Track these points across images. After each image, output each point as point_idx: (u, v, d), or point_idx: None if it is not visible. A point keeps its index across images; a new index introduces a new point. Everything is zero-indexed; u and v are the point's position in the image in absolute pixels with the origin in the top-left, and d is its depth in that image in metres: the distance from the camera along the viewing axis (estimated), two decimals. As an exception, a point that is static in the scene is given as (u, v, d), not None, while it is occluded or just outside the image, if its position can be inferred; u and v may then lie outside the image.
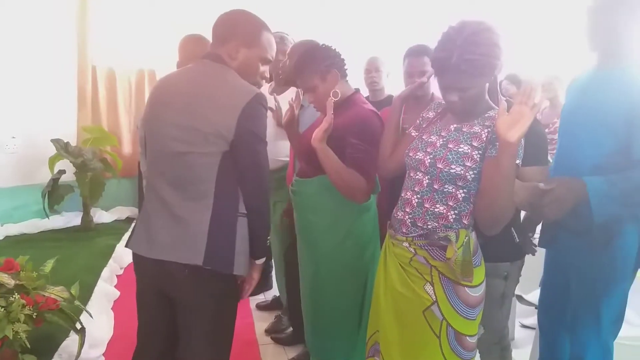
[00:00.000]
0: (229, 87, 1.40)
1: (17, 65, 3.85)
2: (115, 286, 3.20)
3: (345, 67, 1.81)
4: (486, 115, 1.38)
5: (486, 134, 1.33)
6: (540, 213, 1.48)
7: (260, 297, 3.21)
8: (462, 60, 1.25)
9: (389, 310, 1.48)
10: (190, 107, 1.38)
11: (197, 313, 1.44)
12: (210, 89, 1.40)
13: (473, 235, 1.41)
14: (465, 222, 1.39)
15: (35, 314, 1.97)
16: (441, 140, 1.42)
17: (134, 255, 1.53)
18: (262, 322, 2.86)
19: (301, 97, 2.01)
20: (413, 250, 1.43)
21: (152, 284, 1.50)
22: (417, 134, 1.55)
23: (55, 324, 2.09)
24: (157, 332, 1.56)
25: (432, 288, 1.38)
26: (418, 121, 1.59)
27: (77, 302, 2.19)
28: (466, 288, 1.37)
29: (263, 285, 3.28)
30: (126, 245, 1.54)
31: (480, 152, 1.33)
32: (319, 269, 1.81)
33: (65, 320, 2.13)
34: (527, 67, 3.32)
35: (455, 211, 1.38)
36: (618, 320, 1.67)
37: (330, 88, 1.72)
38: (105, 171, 4.15)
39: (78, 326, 2.17)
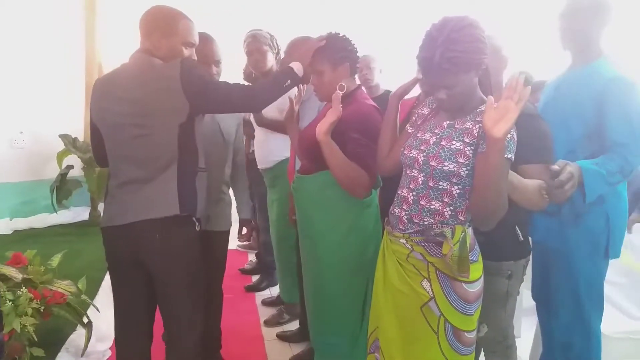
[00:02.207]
0: (158, 68, 1.60)
1: (26, 61, 3.88)
2: (122, 281, 3.21)
3: (357, 65, 1.83)
4: (478, 110, 1.37)
5: (477, 129, 1.33)
6: (559, 195, 1.46)
7: (266, 293, 3.22)
8: (444, 59, 1.25)
9: (388, 307, 1.49)
10: (137, 98, 1.57)
11: (171, 266, 1.62)
12: (146, 76, 1.60)
13: (470, 231, 1.41)
14: (461, 218, 1.39)
15: (42, 307, 2.00)
16: (434, 137, 1.42)
17: (106, 232, 1.68)
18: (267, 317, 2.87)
19: (302, 93, 2.01)
20: (410, 247, 1.43)
21: (126, 255, 1.65)
22: (413, 130, 1.56)
23: (63, 317, 2.12)
24: (136, 303, 1.72)
25: (429, 284, 1.39)
26: (414, 117, 1.59)
27: (84, 297, 2.21)
28: (463, 284, 1.37)
29: (269, 281, 3.29)
30: (99, 225, 1.70)
31: (472, 147, 1.33)
32: (322, 265, 1.81)
33: (72, 314, 2.15)
34: (528, 66, 3.28)
35: (451, 207, 1.38)
36: (599, 302, 1.81)
37: (338, 79, 1.73)
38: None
39: (85, 320, 2.19)
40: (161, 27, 1.63)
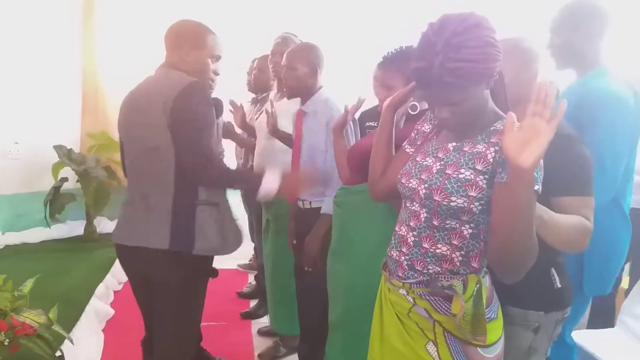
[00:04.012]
0: (166, 83, 1.60)
1: (21, 69, 3.73)
2: (111, 304, 3.02)
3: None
4: (491, 128, 1.11)
5: (492, 153, 1.07)
6: None
7: (264, 321, 2.98)
8: (444, 71, 0.99)
9: None
10: (147, 108, 1.59)
11: (164, 292, 1.67)
12: (158, 89, 1.60)
13: (487, 280, 1.15)
14: (474, 265, 1.13)
15: (7, 340, 1.80)
16: (438, 164, 1.15)
17: (118, 247, 1.73)
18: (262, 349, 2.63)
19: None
20: (412, 300, 1.17)
21: (138, 272, 1.74)
22: (412, 150, 1.30)
23: (31, 351, 1.91)
24: (146, 309, 1.81)
25: (435, 349, 1.13)
26: (413, 134, 1.33)
27: (55, 327, 2.00)
28: (478, 348, 1.10)
29: (266, 307, 3.05)
30: (111, 239, 1.74)
31: (486, 176, 1.07)
32: (356, 288, 1.64)
33: (42, 347, 1.94)
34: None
35: (462, 252, 1.12)
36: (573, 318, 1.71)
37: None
38: (110, 179, 4.00)
39: (58, 353, 1.99)
40: (189, 40, 1.68)
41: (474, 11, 1.04)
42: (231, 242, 1.70)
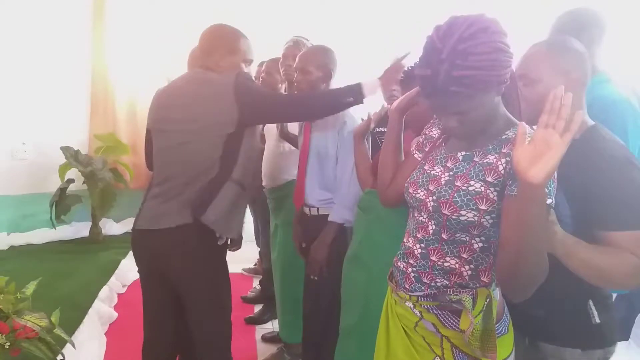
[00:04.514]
0: (213, 78, 1.70)
1: (30, 69, 3.73)
2: (115, 307, 2.99)
3: None
4: (503, 137, 1.05)
5: (504, 164, 1.01)
6: None
7: (268, 327, 2.94)
8: (450, 79, 0.93)
9: None
10: (188, 105, 1.67)
11: (189, 275, 1.69)
12: (200, 84, 1.70)
13: (497, 293, 1.09)
14: (484, 279, 1.08)
15: (8, 343, 1.78)
16: (447, 174, 1.10)
17: (134, 237, 1.79)
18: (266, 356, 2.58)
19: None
20: (419, 314, 1.12)
21: (150, 263, 1.76)
22: (420, 156, 1.25)
23: (33, 354, 1.88)
24: (155, 307, 1.82)
25: None
26: (421, 139, 1.28)
27: (57, 331, 1.98)
28: None
29: (272, 312, 3.01)
30: (133, 227, 1.78)
31: (497, 188, 1.02)
32: (377, 292, 1.56)
33: (43, 350, 1.92)
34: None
35: (471, 265, 1.07)
36: None
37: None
38: (117, 181, 3.99)
39: (59, 357, 1.97)
40: (224, 45, 1.74)
41: (484, 13, 0.99)
42: (235, 227, 1.75)
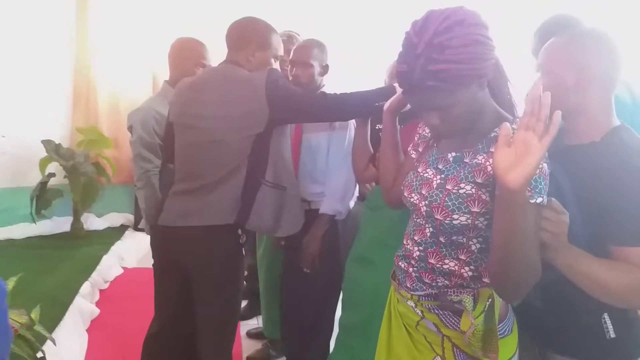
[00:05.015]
0: (244, 75, 1.64)
1: (10, 61, 3.65)
2: (97, 303, 2.94)
3: None
4: (492, 135, 1.02)
5: (492, 164, 0.94)
6: None
7: (253, 323, 2.93)
8: (427, 74, 0.91)
9: None
10: (221, 101, 1.61)
11: (208, 271, 1.65)
12: (231, 81, 1.64)
13: None
14: (486, 280, 1.06)
15: (-14, 340, 1.73)
16: (438, 177, 1.08)
17: (157, 232, 1.75)
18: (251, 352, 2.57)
19: None
20: (420, 313, 1.11)
21: (171, 257, 1.71)
22: (416, 155, 1.23)
23: (12, 351, 1.85)
24: (169, 302, 1.79)
25: None
26: (416, 138, 1.25)
27: (37, 327, 1.94)
28: None
29: (257, 308, 3.00)
30: (158, 222, 1.71)
31: (489, 189, 0.99)
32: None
33: (22, 347, 1.88)
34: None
35: (471, 266, 1.05)
36: None
37: None
38: (99, 175, 3.93)
39: (39, 354, 1.93)
40: (256, 40, 1.68)
41: (462, 5, 0.96)
42: (284, 226, 1.72)
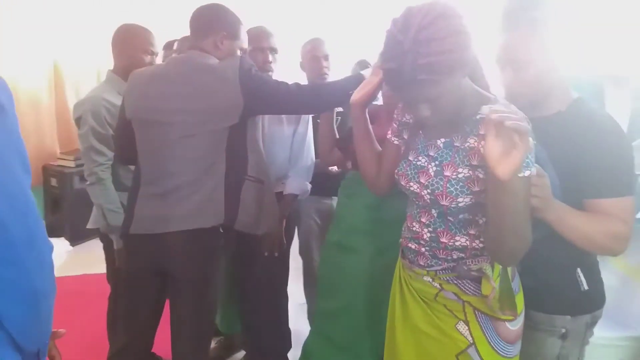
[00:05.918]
0: (215, 65, 1.55)
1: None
2: None
3: None
4: (477, 117, 1.07)
5: (484, 146, 1.00)
6: None
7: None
8: (417, 68, 0.95)
9: (409, 353, 1.22)
10: (191, 93, 1.51)
11: (194, 274, 1.58)
12: (201, 71, 1.54)
13: None
14: None
15: None
16: (433, 165, 1.13)
17: (133, 240, 1.61)
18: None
19: None
20: (438, 285, 1.17)
21: (150, 264, 1.60)
22: (398, 142, 1.28)
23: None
24: (142, 312, 1.66)
25: (466, 327, 1.14)
26: (394, 125, 1.29)
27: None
28: (507, 322, 1.14)
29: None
30: (130, 231, 1.58)
31: (484, 169, 1.05)
32: (372, 276, 1.61)
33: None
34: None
35: (481, 239, 1.13)
36: None
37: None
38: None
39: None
40: (225, 28, 1.60)
41: (437, 0, 1.00)
42: (264, 222, 1.67)
